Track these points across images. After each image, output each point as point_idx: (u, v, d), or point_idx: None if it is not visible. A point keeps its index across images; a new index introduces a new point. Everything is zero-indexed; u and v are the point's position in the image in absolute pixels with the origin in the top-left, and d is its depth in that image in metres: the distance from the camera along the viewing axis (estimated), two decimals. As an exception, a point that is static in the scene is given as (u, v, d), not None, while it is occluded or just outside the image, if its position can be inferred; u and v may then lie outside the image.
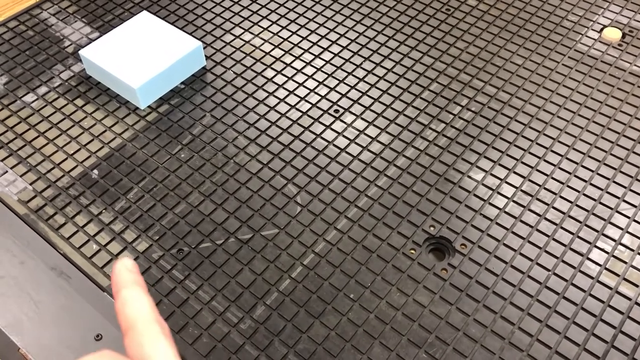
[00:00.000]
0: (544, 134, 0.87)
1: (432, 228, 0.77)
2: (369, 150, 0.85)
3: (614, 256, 0.74)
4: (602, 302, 0.70)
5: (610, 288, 0.72)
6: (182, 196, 0.80)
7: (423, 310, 0.70)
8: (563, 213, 0.78)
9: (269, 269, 0.73)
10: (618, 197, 0.80)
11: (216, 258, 0.74)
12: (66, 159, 0.84)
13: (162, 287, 0.71)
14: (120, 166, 0.83)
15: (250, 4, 1.07)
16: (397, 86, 0.93)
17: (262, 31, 1.02)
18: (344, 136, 0.87)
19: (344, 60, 0.97)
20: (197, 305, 0.70)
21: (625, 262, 0.74)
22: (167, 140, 0.86)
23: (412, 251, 0.75)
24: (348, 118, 0.89)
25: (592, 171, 0.82)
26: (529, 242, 0.76)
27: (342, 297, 0.71)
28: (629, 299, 0.71)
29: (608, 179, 0.82)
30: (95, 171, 0.83)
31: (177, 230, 0.77)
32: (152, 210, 0.78)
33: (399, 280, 0.72)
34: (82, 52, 0.91)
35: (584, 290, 0.71)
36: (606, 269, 0.73)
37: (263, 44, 1.00)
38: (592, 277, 0.72)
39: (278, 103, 0.91)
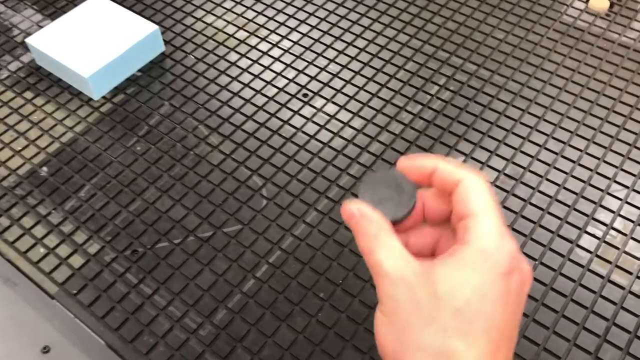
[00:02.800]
0: (529, 113, 0.81)
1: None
2: (340, 137, 0.79)
3: (605, 242, 0.69)
4: (594, 292, 0.65)
5: (601, 277, 0.66)
6: (137, 192, 0.74)
7: (399, 308, 0.64)
8: (550, 197, 0.72)
9: (232, 268, 0.67)
10: (609, 178, 0.74)
11: (174, 259, 0.68)
12: (13, 156, 0.78)
13: (115, 293, 0.65)
14: (71, 162, 0.77)
15: (214, -16, 1.00)
16: (370, 66, 0.87)
17: (225, 12, 0.95)
18: (313, 122, 0.80)
19: (313, 41, 0.90)
20: (153, 311, 0.64)
21: (617, 248, 0.68)
22: (121, 133, 0.80)
23: (387, 244, 0.69)
24: (318, 102, 0.83)
25: (581, 151, 0.77)
26: (514, 229, 0.70)
27: (311, 296, 0.65)
28: (622, 287, 0.65)
29: (598, 158, 0.76)
30: (45, 168, 0.76)
31: (131, 230, 0.70)
32: (104, 209, 0.72)
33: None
34: (29, 40, 0.84)
35: (573, 280, 0.66)
36: (597, 256, 0.68)
37: (226, 25, 0.93)
38: (582, 266, 0.67)
39: (242, 88, 0.84)
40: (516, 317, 0.32)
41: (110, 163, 0.77)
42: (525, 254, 0.68)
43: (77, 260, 0.68)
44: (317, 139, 0.79)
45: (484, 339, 0.30)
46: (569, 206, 0.72)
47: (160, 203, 0.73)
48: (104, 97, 0.84)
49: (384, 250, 0.33)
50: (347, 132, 0.79)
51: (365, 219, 0.34)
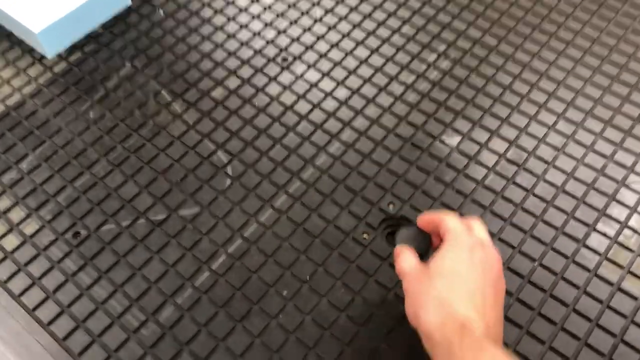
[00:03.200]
0: (538, 87, 0.70)
1: (391, 206, 0.62)
2: (321, 109, 0.69)
3: (617, 242, 0.59)
4: (600, 302, 0.56)
5: (610, 284, 0.57)
6: (85, 165, 0.65)
7: (372, 313, 0.55)
8: (556, 187, 0.63)
9: (185, 258, 0.59)
10: (627, 168, 0.64)
11: (120, 244, 0.60)
12: (-49, 119, 0.69)
13: (50, 281, 0.57)
14: (15, 128, 0.68)
15: None
16: (360, 29, 0.76)
17: (202, -38, 0.84)
18: (291, 91, 0.71)
19: (298, -3, 0.80)
20: (91, 305, 0.56)
21: (631, 251, 0.59)
22: (74, 96, 0.70)
23: (365, 236, 0.60)
24: (298, 68, 0.73)
25: (596, 134, 0.66)
26: (512, 224, 0.60)
27: (273, 294, 0.57)
28: (635, 298, 0.56)
29: (615, 144, 0.66)
30: (-15, 134, 0.68)
31: (75, 209, 0.62)
32: (47, 184, 0.64)
33: (346, 273, 0.58)
34: (-25, -13, 0.74)
35: (577, 287, 0.57)
36: (607, 259, 0.58)
37: (202, -23, 0.82)
38: (588, 270, 0.58)
39: (214, 49, 0.74)
40: (487, 281, 0.46)
41: (59, 131, 0.68)
42: (522, 253, 0.59)
43: (10, 242, 0.60)
44: (294, 111, 0.69)
45: (466, 293, 0.45)
46: (577, 198, 0.62)
47: (111, 179, 0.64)
48: (58, 55, 0.74)
49: (406, 263, 0.50)
50: (330, 104, 0.70)
51: (403, 251, 0.51)
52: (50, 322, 0.55)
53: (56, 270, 0.58)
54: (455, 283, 0.45)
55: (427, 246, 0.53)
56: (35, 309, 0.56)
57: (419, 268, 0.48)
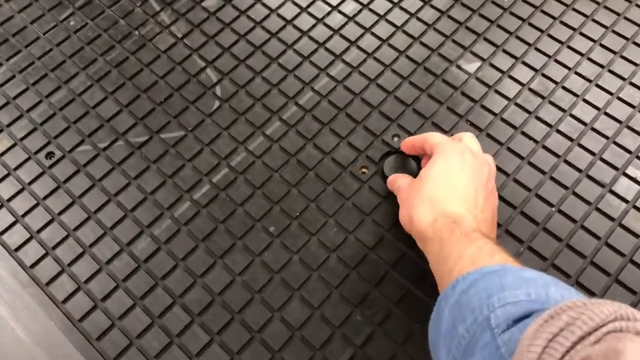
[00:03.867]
0: (573, 9, 0.62)
1: (395, 139, 0.55)
2: (325, 24, 0.62)
3: (648, 190, 0.53)
4: (623, 255, 0.50)
5: (636, 235, 0.51)
6: (63, 79, 0.59)
7: (366, 254, 0.50)
8: (584, 124, 0.55)
9: (165, 186, 0.54)
10: (668, 105, 0.56)
11: (95, 168, 0.55)
12: None
13: (18, 205, 0.53)
14: (-12, 35, 0.62)
15: None
16: None
17: None
18: (293, 2, 0.63)
19: None
20: (61, 232, 0.52)
21: (663, 200, 0.52)
22: (54, 2, 0.64)
23: (364, 170, 0.54)
24: (303, -23, 0.65)
25: (636, 65, 0.58)
26: (530, 163, 0.54)
27: (260, 230, 0.52)
28: (662, 252, 0.50)
29: (657, 77, 0.58)
30: (-43, 41, 0.62)
31: (50, 127, 0.57)
32: (21, 98, 0.58)
33: (340, 211, 0.52)
34: None
35: (598, 237, 0.51)
36: (635, 207, 0.52)
37: None
38: (612, 219, 0.51)
39: (210, -47, 0.66)
40: (479, 182, 0.45)
41: (36, 39, 0.62)
42: (539, 197, 0.52)
43: (-22, 161, 0.55)
44: (294, 26, 0.62)
45: (457, 192, 0.44)
46: (607, 137, 0.55)
47: (89, 95, 0.58)
48: (39, -46, 0.67)
49: (401, 181, 0.50)
50: (335, 19, 0.62)
51: (397, 176, 0.51)
52: (18, 249, 0.51)
53: (26, 193, 0.54)
54: (445, 183, 0.45)
55: (418, 170, 0.53)
56: (2, 233, 0.52)
57: (413, 180, 0.48)
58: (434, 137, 0.48)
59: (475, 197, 0.44)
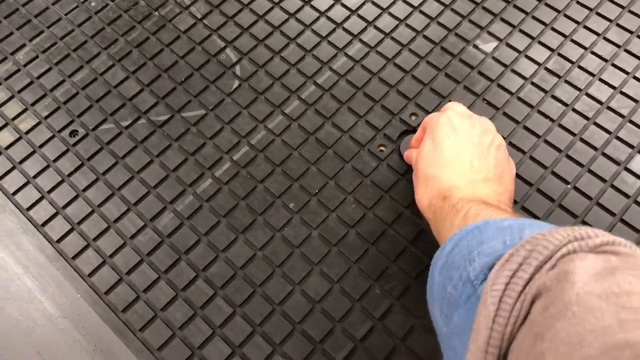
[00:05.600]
0: (590, -11, 0.62)
1: (413, 117, 0.56)
2: (342, 4, 0.62)
3: (664, 168, 0.53)
4: (637, 231, 0.51)
5: (651, 213, 0.51)
6: (85, 59, 0.60)
7: (385, 230, 0.51)
8: (600, 103, 0.56)
9: (187, 163, 0.55)
10: (683, 84, 0.57)
11: (118, 146, 0.56)
12: (-55, 4, 0.64)
13: (44, 181, 0.54)
14: (11, 16, 0.63)
15: None
16: None
17: None
18: (311, -16, 0.64)
19: None
20: (86, 208, 0.53)
21: (678, 178, 0.53)
22: (75, -17, 0.65)
23: (382, 149, 0.55)
24: (321, -42, 0.65)
25: (652, 45, 0.59)
26: (546, 141, 0.55)
27: (280, 206, 0.53)
28: (677, 230, 0.51)
29: (673, 56, 0.58)
30: (-19, 22, 0.63)
31: (73, 106, 0.58)
32: (45, 77, 0.59)
33: (358, 188, 0.53)
34: None
35: (613, 214, 0.51)
36: (650, 185, 0.53)
37: None
38: (628, 196, 0.52)
39: None
40: (470, 143, 0.45)
41: (58, 20, 0.63)
42: (555, 175, 0.53)
43: (5, 138, 0.57)
44: (312, 6, 0.62)
45: (447, 162, 0.45)
46: (623, 116, 0.55)
47: (111, 75, 0.59)
48: (59, -64, 0.68)
49: (414, 154, 0.49)
50: (352, 0, 0.63)
51: (411, 150, 0.51)
52: (45, 224, 0.53)
53: (51, 170, 0.55)
54: (436, 158, 0.45)
55: None
56: (29, 208, 0.53)
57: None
58: (426, 119, 0.50)
59: (470, 161, 0.44)
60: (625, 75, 0.57)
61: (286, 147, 0.55)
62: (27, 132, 0.57)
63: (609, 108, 0.56)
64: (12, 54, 0.61)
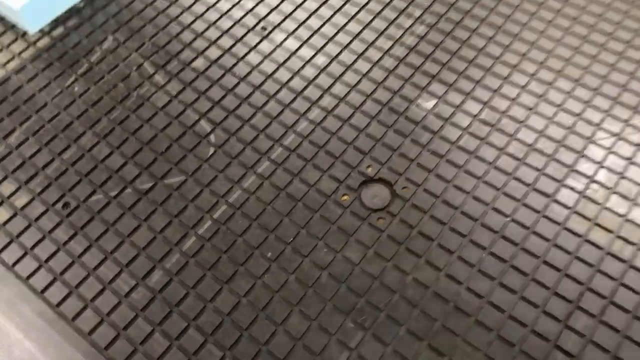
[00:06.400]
0: (510, 50, 0.72)
1: (369, 169, 0.64)
2: (300, 77, 0.71)
3: (585, 196, 0.62)
4: (569, 253, 0.59)
5: (579, 235, 0.60)
6: (72, 138, 0.67)
7: (353, 269, 0.58)
8: (528, 145, 0.65)
9: (171, 225, 0.61)
10: (595, 124, 0.66)
11: (108, 214, 0.62)
12: (-62, 97, 0.71)
13: (43, 250, 0.60)
14: (1, 104, 0.69)
15: None
16: (338, -4, 0.78)
17: None
18: (271, 59, 0.72)
19: (275, -34, 0.80)
20: (82, 272, 0.58)
21: (598, 204, 0.61)
22: (59, 71, 0.72)
23: (345, 197, 0.62)
24: (278, 37, 0.74)
25: (567, 93, 0.69)
26: (485, 182, 0.63)
27: (258, 256, 0.59)
28: (600, 248, 0.59)
29: (585, 102, 0.68)
30: (-28, 111, 0.69)
31: (64, 181, 0.64)
32: (36, 157, 0.66)
33: (327, 234, 0.60)
34: (-46, -35, 0.75)
35: (547, 239, 0.59)
36: (575, 212, 0.61)
37: (179, -52, 0.83)
38: (557, 223, 0.60)
39: (194, 21, 0.76)
40: None
41: (45, 105, 0.69)
42: (495, 210, 0.61)
43: (1, 215, 0.62)
44: (274, 79, 0.71)
45: None
46: (548, 155, 0.64)
47: (97, 150, 0.66)
48: (41, 31, 0.75)
49: None
50: (309, 72, 0.71)
51: None
52: (44, 290, 0.58)
53: (48, 240, 0.60)
54: None
55: (390, 196, 0.59)
56: (28, 277, 0.58)
57: None
58: None
59: None
60: (546, 121, 0.67)
61: (260, 203, 0.62)
62: (23, 208, 0.62)
63: (536, 149, 0.65)
64: (4, 138, 0.67)
